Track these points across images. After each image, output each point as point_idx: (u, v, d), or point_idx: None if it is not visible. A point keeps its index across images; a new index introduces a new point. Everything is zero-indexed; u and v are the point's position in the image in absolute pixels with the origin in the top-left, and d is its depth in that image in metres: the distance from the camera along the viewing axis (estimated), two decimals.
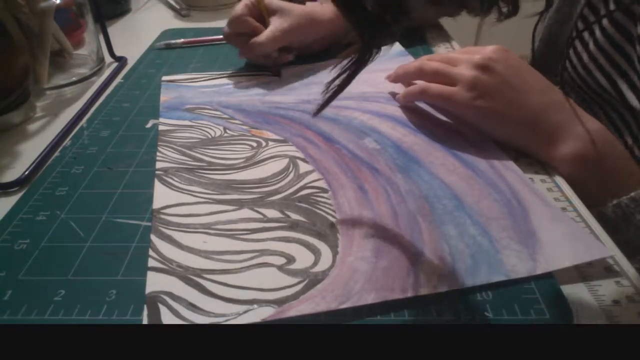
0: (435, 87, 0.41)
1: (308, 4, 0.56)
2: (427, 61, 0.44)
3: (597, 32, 0.44)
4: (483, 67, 0.38)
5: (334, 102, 0.46)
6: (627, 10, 0.40)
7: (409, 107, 0.45)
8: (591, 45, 0.45)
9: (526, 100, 0.37)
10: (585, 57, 0.45)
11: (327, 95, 0.28)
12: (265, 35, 0.51)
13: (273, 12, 0.53)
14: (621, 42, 0.41)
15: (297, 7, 0.53)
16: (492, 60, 0.39)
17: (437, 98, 0.41)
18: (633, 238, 0.31)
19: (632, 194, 0.33)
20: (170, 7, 0.80)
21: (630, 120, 0.44)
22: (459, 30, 0.66)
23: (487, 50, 0.40)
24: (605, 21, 0.42)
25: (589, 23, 0.45)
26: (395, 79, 0.48)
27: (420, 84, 0.43)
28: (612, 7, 0.42)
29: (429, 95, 0.42)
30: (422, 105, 0.45)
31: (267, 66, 0.54)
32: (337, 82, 0.27)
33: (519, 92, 0.38)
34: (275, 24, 0.52)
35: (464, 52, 0.42)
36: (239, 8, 0.52)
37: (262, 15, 0.53)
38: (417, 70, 0.44)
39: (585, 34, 0.46)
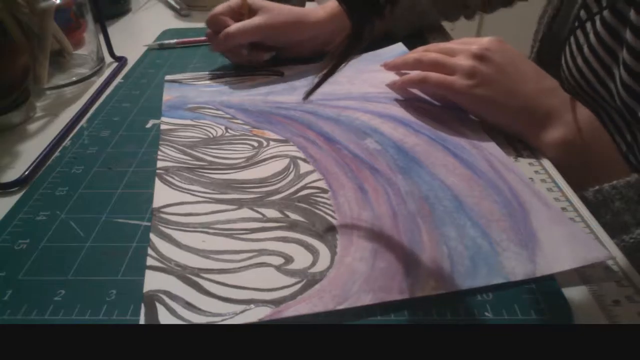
0: (434, 75, 0.42)
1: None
2: (425, 52, 0.45)
3: (591, 34, 0.44)
4: (480, 56, 0.40)
5: (336, 102, 0.47)
6: (616, 11, 0.40)
7: (409, 108, 0.45)
8: (585, 47, 0.45)
9: (521, 88, 0.39)
10: (579, 59, 0.46)
11: (317, 79, 0.28)
12: (235, 26, 0.51)
13: (255, 11, 0.53)
14: (612, 44, 0.42)
15: (282, 7, 0.53)
16: (489, 50, 0.40)
17: (436, 86, 0.42)
18: (610, 222, 0.32)
19: (614, 181, 0.35)
20: (170, 7, 0.80)
21: (620, 122, 0.44)
22: (459, 30, 0.66)
23: (484, 41, 0.41)
24: (598, 23, 0.43)
25: (583, 24, 0.46)
26: (392, 67, 0.49)
27: (419, 72, 0.44)
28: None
29: (428, 83, 0.43)
30: (423, 105, 0.45)
31: (266, 66, 0.54)
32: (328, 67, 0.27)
33: (514, 81, 0.39)
34: (250, 19, 0.52)
35: (460, 43, 0.43)
36: (219, 7, 0.53)
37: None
38: (415, 61, 0.45)
39: (580, 36, 0.46)
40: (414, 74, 0.45)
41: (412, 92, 0.47)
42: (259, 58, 0.54)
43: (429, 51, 0.45)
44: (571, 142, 0.37)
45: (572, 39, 0.47)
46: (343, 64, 0.27)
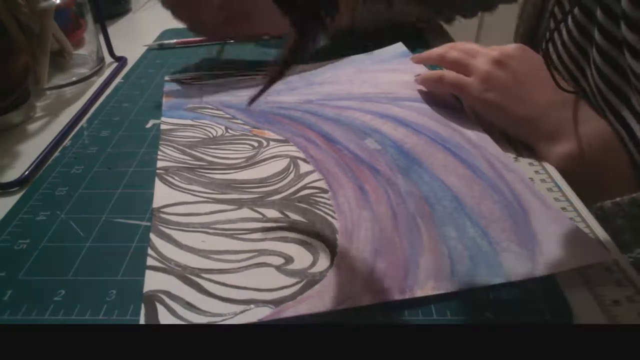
0: (451, 75, 0.43)
1: None
2: (449, 49, 0.45)
3: (564, 32, 0.44)
4: (498, 62, 0.40)
5: (336, 103, 0.47)
6: (585, 9, 0.40)
7: (409, 108, 0.45)
8: (559, 46, 0.45)
9: (533, 97, 0.39)
10: (554, 57, 0.46)
11: (262, 86, 0.28)
12: None
13: None
14: (583, 43, 0.41)
15: None
16: (509, 56, 0.41)
17: (451, 85, 0.43)
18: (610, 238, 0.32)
19: (617, 199, 0.34)
20: None
21: None
22: (459, 30, 0.66)
23: (506, 47, 0.42)
24: (569, 21, 0.42)
25: (557, 23, 0.46)
26: (418, 60, 0.50)
27: (437, 71, 0.45)
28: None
29: (444, 82, 0.43)
30: (423, 106, 0.45)
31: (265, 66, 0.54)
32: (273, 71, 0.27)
33: (528, 89, 0.39)
34: None
35: (486, 47, 0.44)
36: None
37: None
38: (438, 57, 0.46)
39: (555, 35, 0.46)
40: (433, 72, 0.45)
41: (411, 91, 0.48)
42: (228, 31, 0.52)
43: (454, 49, 0.45)
44: (579, 157, 0.36)
45: (547, 36, 0.48)
46: (286, 73, 0.27)
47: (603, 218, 0.33)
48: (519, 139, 0.40)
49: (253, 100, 0.29)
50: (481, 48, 0.44)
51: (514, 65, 0.40)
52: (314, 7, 0.24)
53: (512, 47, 0.42)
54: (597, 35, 0.38)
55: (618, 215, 0.33)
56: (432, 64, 0.49)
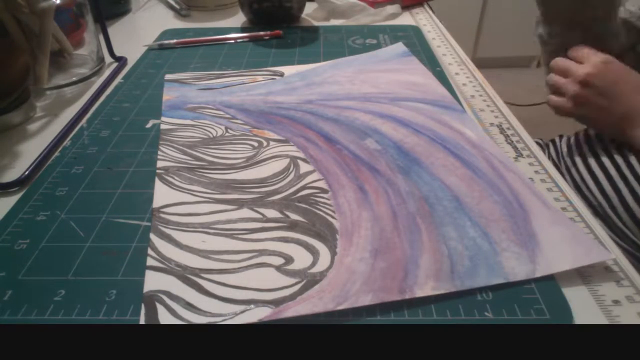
0: (553, 99, 0.51)
1: None
2: (551, 66, 0.52)
3: None
4: (583, 82, 0.47)
5: (336, 103, 0.47)
6: None
7: (410, 108, 0.45)
8: None
9: (616, 106, 0.46)
10: None
11: None
12: None
13: None
14: None
15: None
16: (591, 75, 0.47)
17: (553, 107, 0.52)
18: None
19: None
20: (170, 7, 0.80)
21: None
22: (459, 30, 0.66)
23: (588, 66, 0.48)
24: None
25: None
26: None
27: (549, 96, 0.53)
28: None
29: (550, 104, 0.52)
30: (423, 106, 0.45)
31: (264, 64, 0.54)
32: None
33: (611, 99, 0.46)
34: None
35: (576, 57, 0.50)
36: None
37: None
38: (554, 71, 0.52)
39: None
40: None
41: (412, 91, 0.48)
42: None
43: (555, 66, 0.51)
44: None
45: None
46: None
47: None
48: (620, 140, 0.48)
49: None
50: (571, 64, 0.49)
51: (597, 83, 0.47)
52: None
53: (592, 65, 0.47)
54: None
55: None
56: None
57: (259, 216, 0.33)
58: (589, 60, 0.48)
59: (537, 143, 0.60)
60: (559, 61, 0.52)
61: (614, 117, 0.46)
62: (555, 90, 0.52)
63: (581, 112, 0.49)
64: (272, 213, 0.33)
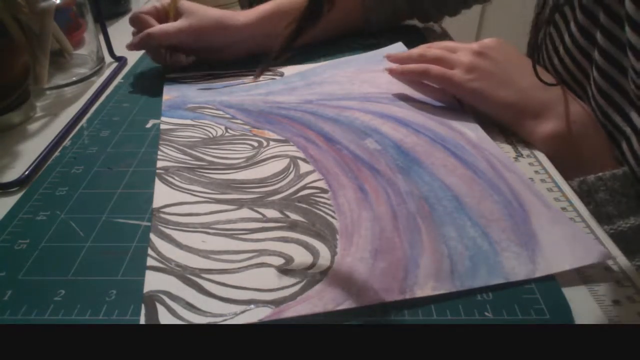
0: (436, 68, 0.44)
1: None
2: (428, 48, 0.47)
3: (566, 38, 0.44)
4: (479, 53, 0.43)
5: (336, 103, 0.47)
6: (588, 12, 0.41)
7: (410, 108, 0.45)
8: (561, 50, 0.46)
9: (516, 82, 0.41)
10: (555, 60, 0.47)
11: (276, 52, 0.29)
12: (158, 27, 0.52)
13: (181, 13, 0.53)
14: (587, 47, 0.42)
15: (208, 11, 0.53)
16: (488, 47, 0.43)
17: (436, 78, 0.45)
18: (592, 213, 0.33)
19: (600, 173, 0.36)
20: None
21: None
22: (459, 30, 0.66)
23: (484, 40, 0.44)
24: (573, 27, 0.43)
25: (558, 28, 0.47)
26: (396, 60, 0.50)
27: (422, 64, 0.46)
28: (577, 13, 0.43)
29: (429, 75, 0.45)
30: (423, 106, 0.45)
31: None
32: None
33: (510, 74, 0.42)
34: (173, 22, 0.52)
35: (463, 43, 0.46)
36: (145, 6, 0.54)
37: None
38: (418, 56, 0.47)
39: (556, 39, 0.47)
40: (417, 65, 0.46)
41: (411, 90, 0.48)
42: (177, 61, 0.55)
43: (432, 48, 0.47)
44: (562, 134, 0.38)
45: (547, 40, 0.48)
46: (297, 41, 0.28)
47: (586, 191, 0.36)
48: (505, 124, 0.42)
49: (261, 72, 0.29)
50: (459, 44, 0.45)
51: (494, 55, 0.42)
52: None
53: (489, 40, 0.44)
54: (600, 38, 0.39)
55: (600, 189, 0.35)
56: (411, 63, 0.49)
57: (259, 216, 0.33)
58: (479, 42, 0.44)
59: None
60: (439, 42, 0.48)
61: (511, 97, 0.40)
62: (440, 64, 0.45)
63: (475, 85, 0.42)
64: (272, 213, 0.33)
